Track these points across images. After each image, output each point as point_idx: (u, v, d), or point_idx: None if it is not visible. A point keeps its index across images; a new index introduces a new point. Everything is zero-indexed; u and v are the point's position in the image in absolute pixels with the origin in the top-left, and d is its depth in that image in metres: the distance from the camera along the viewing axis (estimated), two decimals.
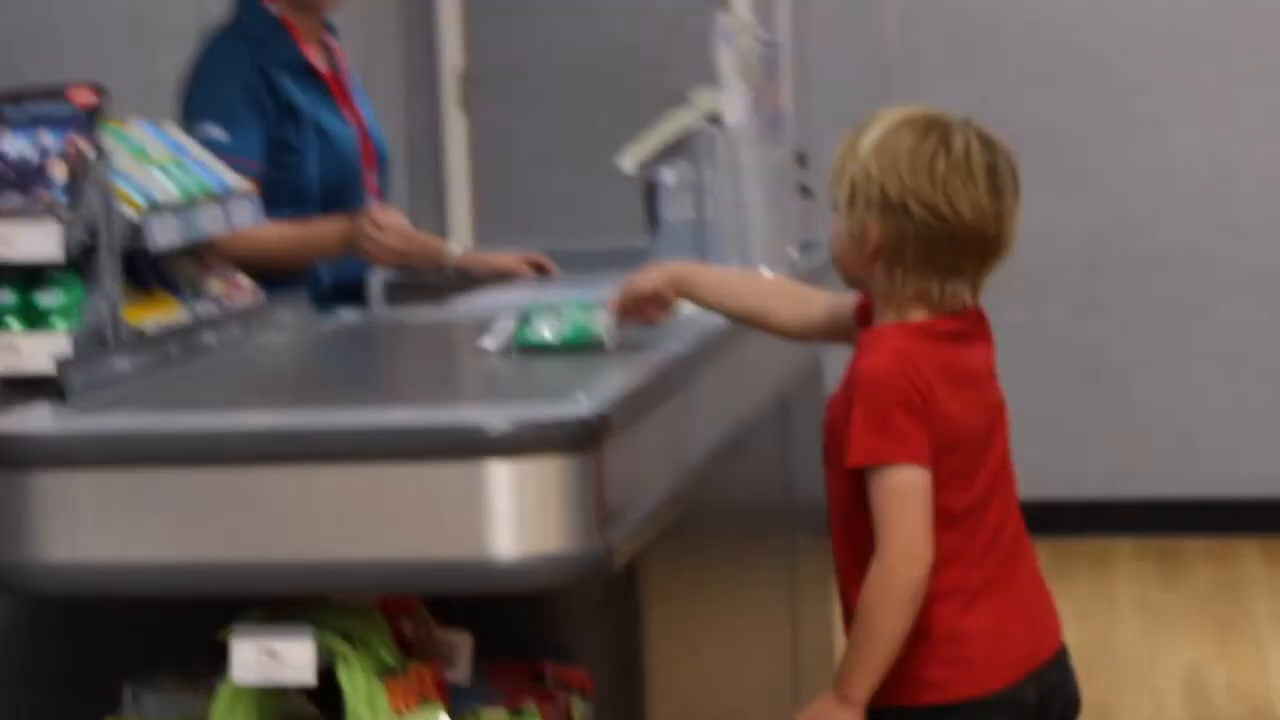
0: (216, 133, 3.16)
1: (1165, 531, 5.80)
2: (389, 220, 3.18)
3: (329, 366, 2.69)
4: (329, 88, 3.38)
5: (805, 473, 3.67)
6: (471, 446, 1.97)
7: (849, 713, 2.21)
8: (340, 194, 3.31)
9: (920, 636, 2.23)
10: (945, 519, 2.24)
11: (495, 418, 1.99)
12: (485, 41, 5.60)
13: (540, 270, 3.50)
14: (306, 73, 3.34)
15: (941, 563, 2.22)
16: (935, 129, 2.24)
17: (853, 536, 2.27)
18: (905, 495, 2.20)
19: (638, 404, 2.20)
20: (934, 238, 2.22)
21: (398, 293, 3.35)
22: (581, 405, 2.05)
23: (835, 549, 2.33)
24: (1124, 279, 5.81)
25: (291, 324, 2.78)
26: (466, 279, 3.43)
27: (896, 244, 2.22)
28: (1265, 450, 5.78)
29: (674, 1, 5.52)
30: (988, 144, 2.26)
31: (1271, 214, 5.72)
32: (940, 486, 2.23)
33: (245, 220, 2.76)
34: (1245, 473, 5.79)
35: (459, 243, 3.63)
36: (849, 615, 2.28)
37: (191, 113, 3.23)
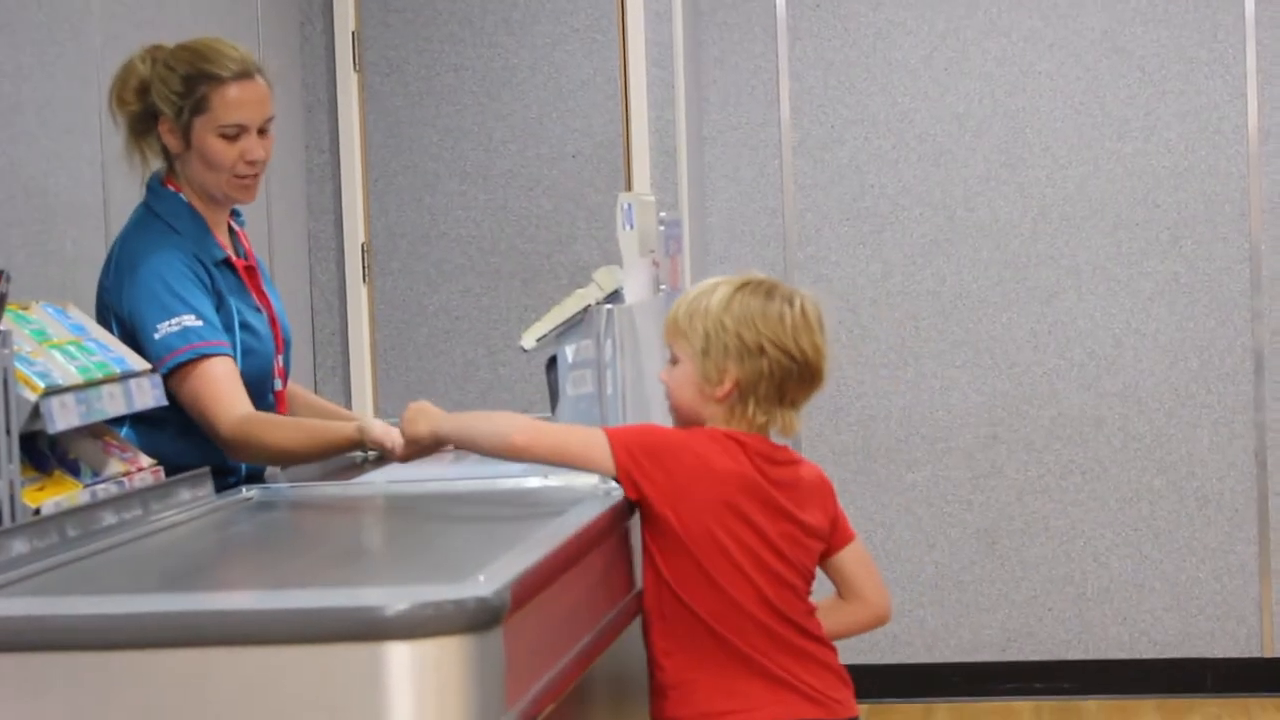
0: (190, 320, 3.11)
1: (1063, 693, 5.84)
2: (394, 439, 3.12)
3: (227, 547, 2.69)
4: (242, 277, 3.34)
5: None
6: (370, 629, 1.97)
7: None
8: (259, 383, 3.29)
9: None
10: None
11: (393, 599, 2.00)
12: (387, 214, 5.65)
13: None
14: (225, 264, 3.29)
15: None
16: (777, 289, 2.76)
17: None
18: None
19: (538, 580, 2.21)
20: (785, 375, 2.72)
21: (300, 470, 3.35)
22: (481, 586, 2.06)
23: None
24: (1021, 445, 5.89)
25: (192, 503, 2.78)
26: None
27: (753, 382, 2.70)
28: (1160, 611, 5.84)
29: (577, 178, 5.60)
30: (813, 300, 2.78)
31: (1163, 380, 5.84)
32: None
33: (147, 401, 2.77)
34: (1141, 633, 5.85)
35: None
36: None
37: (149, 308, 3.13)
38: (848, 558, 2.88)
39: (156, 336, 3.10)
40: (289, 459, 3.21)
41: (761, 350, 2.71)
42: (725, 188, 5.97)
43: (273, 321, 3.38)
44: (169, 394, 3.00)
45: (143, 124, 3.28)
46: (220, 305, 3.23)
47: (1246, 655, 5.81)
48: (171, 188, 3.29)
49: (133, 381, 2.75)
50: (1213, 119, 5.81)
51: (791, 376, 2.74)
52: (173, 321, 3.11)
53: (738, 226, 5.97)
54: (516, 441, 2.74)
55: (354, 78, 5.62)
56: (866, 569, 2.90)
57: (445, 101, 5.64)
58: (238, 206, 3.40)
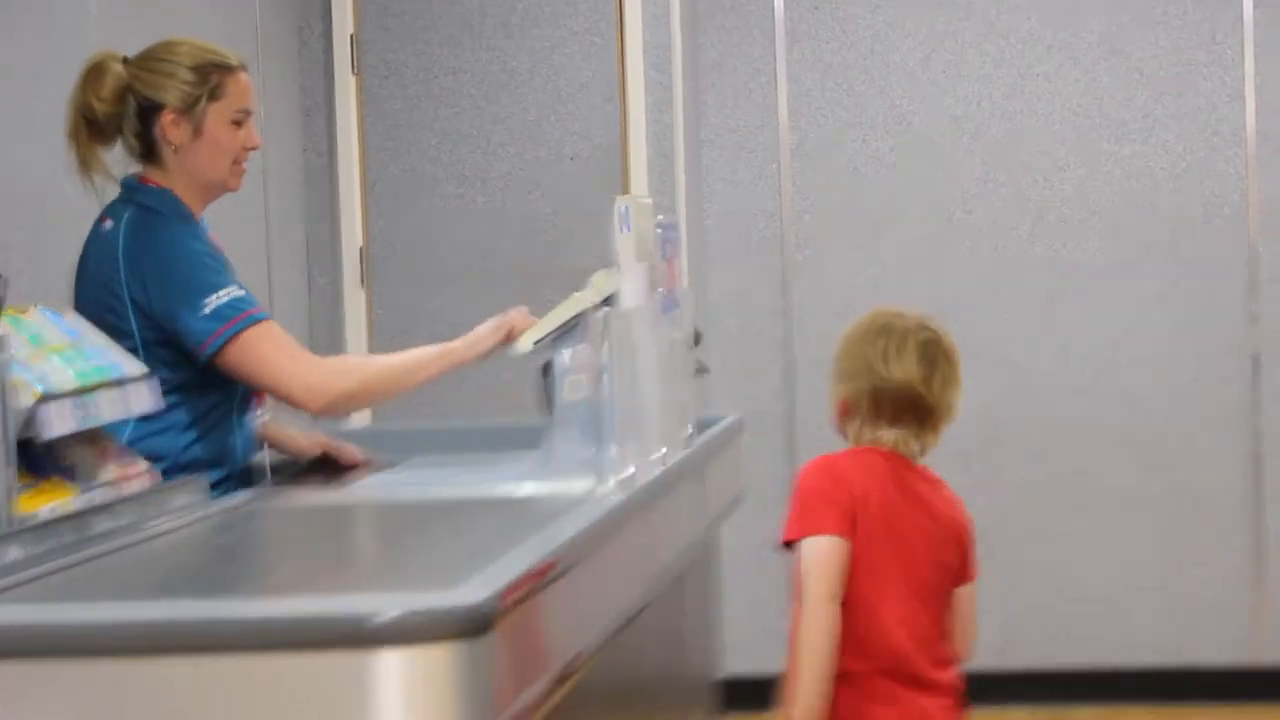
0: (237, 291, 3.19)
1: (1056, 700, 5.85)
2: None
3: (221, 553, 2.69)
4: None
5: (699, 649, 3.69)
6: (360, 636, 1.97)
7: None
8: None
9: None
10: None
11: (384, 606, 2.00)
12: (385, 218, 5.66)
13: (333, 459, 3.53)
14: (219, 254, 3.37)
15: None
16: (887, 318, 3.10)
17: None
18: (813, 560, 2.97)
19: (529, 586, 2.22)
20: (877, 394, 3.04)
21: (292, 474, 3.36)
22: (471, 592, 2.06)
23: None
24: (1018, 450, 5.90)
25: (186, 509, 2.79)
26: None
27: (855, 401, 3.07)
28: (1154, 618, 5.85)
29: (575, 181, 5.61)
30: (926, 328, 3.08)
31: (1158, 385, 5.84)
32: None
33: (144, 406, 2.78)
34: (1135, 641, 5.86)
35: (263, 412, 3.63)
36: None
37: (190, 288, 3.19)
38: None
39: (207, 310, 3.15)
40: (401, 389, 3.32)
41: (857, 373, 3.07)
42: (723, 190, 5.98)
43: None
44: (214, 367, 3.10)
45: (111, 125, 3.32)
46: None
47: (1239, 663, 5.81)
48: (153, 184, 3.33)
49: (130, 386, 2.76)
50: (1211, 121, 5.82)
51: (885, 396, 3.05)
52: (221, 293, 3.18)
53: (736, 229, 5.98)
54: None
55: (352, 81, 5.63)
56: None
57: (443, 105, 5.65)
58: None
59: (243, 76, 3.35)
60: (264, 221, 5.23)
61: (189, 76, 3.29)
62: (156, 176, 3.33)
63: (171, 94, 3.29)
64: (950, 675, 3.11)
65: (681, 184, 5.59)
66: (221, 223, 4.87)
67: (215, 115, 3.30)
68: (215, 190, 3.39)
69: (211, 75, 3.31)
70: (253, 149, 3.37)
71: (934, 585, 3.09)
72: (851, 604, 2.98)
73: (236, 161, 3.36)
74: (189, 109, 3.29)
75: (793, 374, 5.96)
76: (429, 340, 5.61)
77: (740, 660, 5.84)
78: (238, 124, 3.33)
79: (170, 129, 3.30)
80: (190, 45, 3.36)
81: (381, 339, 5.64)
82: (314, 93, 5.62)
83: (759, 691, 5.96)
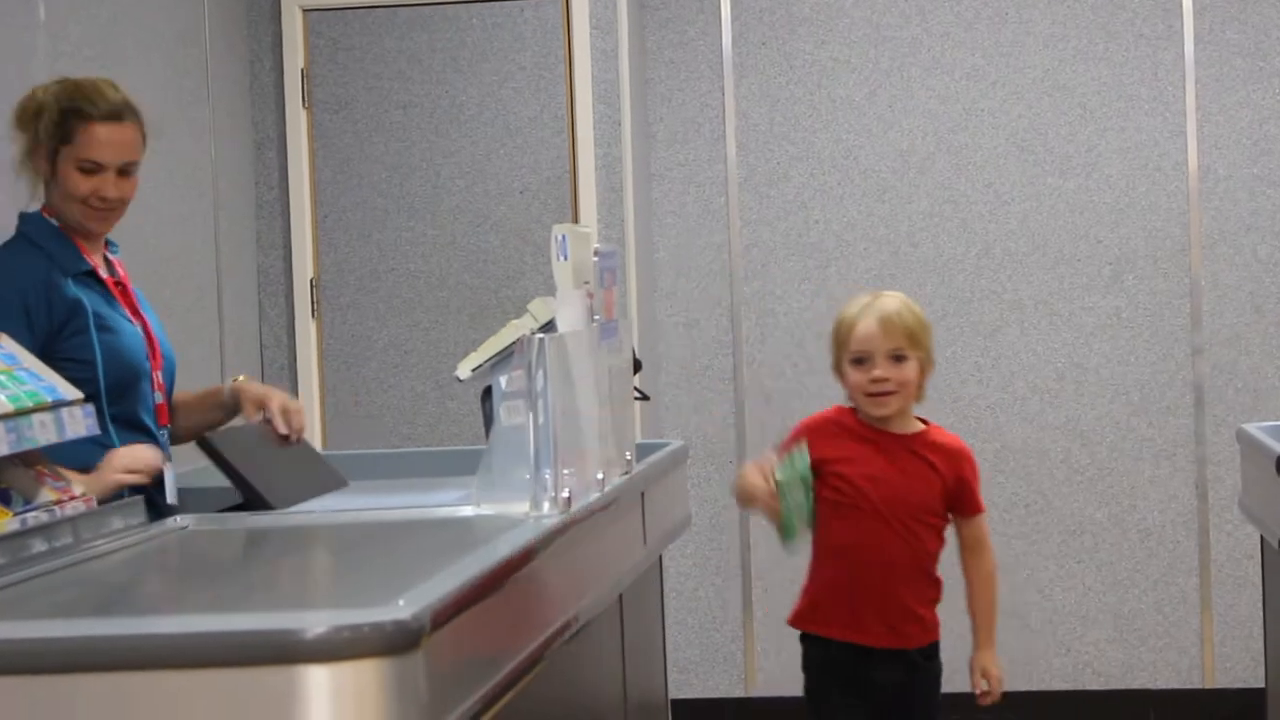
0: None
1: None
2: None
3: (154, 574, 2.71)
4: (111, 291, 3.49)
5: (642, 671, 3.72)
6: (288, 652, 2.00)
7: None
8: (127, 385, 3.41)
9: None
10: None
11: (312, 622, 2.02)
12: (336, 250, 5.68)
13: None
14: (89, 276, 3.44)
15: None
16: None
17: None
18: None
19: (459, 604, 2.24)
20: None
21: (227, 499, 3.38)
22: (400, 609, 2.09)
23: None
24: None
25: (123, 531, 2.81)
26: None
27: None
28: (1104, 643, 5.89)
29: (525, 213, 5.64)
30: None
31: (1105, 414, 5.90)
32: None
33: (79, 430, 2.81)
34: (1084, 666, 5.90)
35: (235, 377, 3.72)
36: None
37: None
38: None
39: None
40: None
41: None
42: (672, 223, 6.03)
43: (150, 338, 3.52)
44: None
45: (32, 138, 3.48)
46: (75, 309, 3.34)
47: (1189, 686, 5.86)
48: (45, 213, 3.47)
49: (64, 410, 2.78)
50: (1153, 156, 5.89)
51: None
52: None
53: (685, 262, 6.03)
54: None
55: (303, 115, 5.66)
56: None
57: (394, 138, 5.68)
58: (111, 239, 3.58)
59: (98, 129, 3.41)
60: (214, 253, 5.26)
61: (55, 117, 3.42)
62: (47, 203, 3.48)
63: (43, 129, 3.42)
64: None
65: (630, 217, 5.63)
66: (173, 254, 4.91)
67: (63, 159, 3.42)
68: (78, 227, 3.47)
69: (69, 120, 3.41)
70: (104, 198, 3.43)
71: None
72: None
73: (88, 205, 3.43)
74: (48, 146, 3.42)
75: (741, 405, 6.00)
76: (379, 370, 5.65)
77: (688, 684, 5.86)
78: (87, 172, 3.42)
79: (38, 160, 3.45)
80: (77, 87, 3.45)
81: (332, 369, 5.66)
82: (265, 126, 5.65)
83: (706, 714, 5.99)
